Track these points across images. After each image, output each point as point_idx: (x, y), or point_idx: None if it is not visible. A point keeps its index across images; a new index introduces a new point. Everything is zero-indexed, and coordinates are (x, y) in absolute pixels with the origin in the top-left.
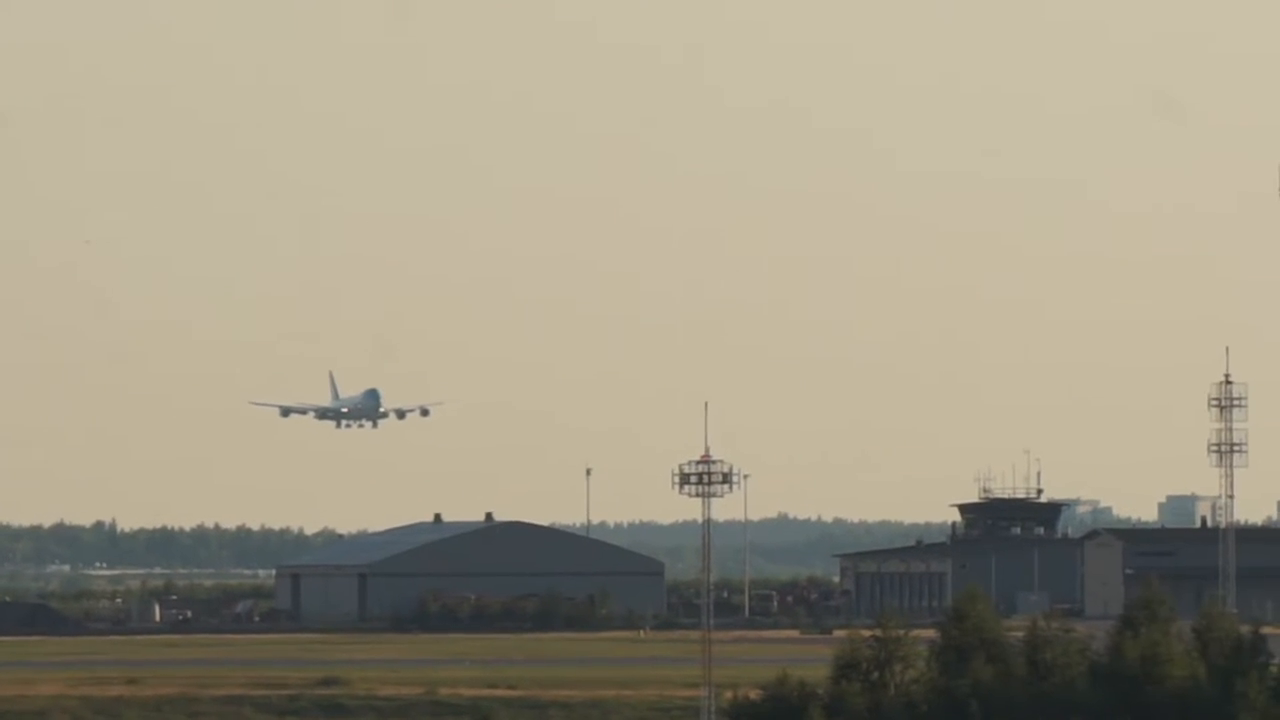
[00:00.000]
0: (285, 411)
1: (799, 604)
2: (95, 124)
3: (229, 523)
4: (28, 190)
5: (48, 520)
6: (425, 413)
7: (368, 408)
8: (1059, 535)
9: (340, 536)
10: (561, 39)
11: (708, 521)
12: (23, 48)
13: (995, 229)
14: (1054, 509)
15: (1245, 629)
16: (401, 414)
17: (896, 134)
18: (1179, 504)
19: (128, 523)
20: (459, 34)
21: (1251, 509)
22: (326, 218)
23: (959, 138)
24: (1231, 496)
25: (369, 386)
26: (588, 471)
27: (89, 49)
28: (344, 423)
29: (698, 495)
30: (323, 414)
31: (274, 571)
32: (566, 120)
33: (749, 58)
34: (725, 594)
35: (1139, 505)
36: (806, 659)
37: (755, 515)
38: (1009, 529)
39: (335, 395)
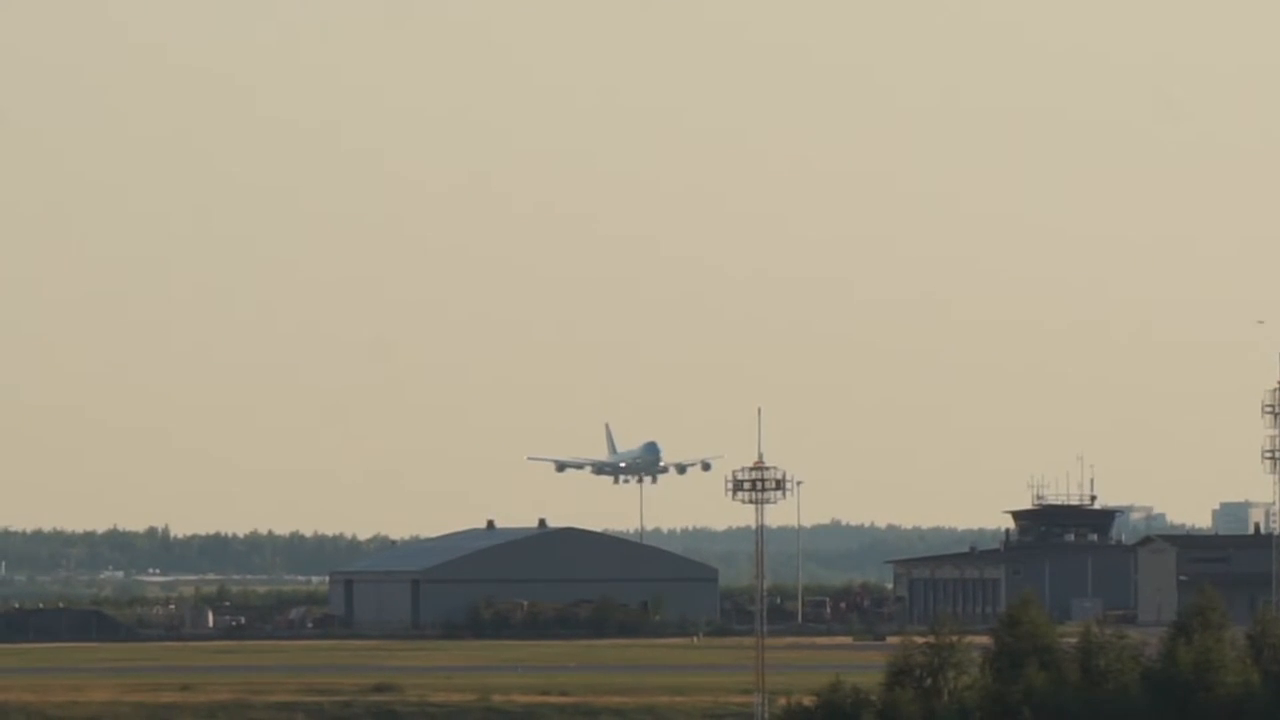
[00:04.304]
0: (561, 466)
1: (852, 610)
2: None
3: (282, 529)
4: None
5: (101, 526)
6: (707, 467)
7: (647, 462)
8: (1113, 542)
9: (393, 543)
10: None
11: (761, 528)
12: (22, 50)
13: (1049, 239)
14: (1108, 515)
15: None
16: (682, 468)
17: (938, 145)
18: (1233, 510)
19: (181, 529)
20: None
21: None
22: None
23: (1002, 153)
24: None
25: (647, 440)
26: (640, 478)
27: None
28: (621, 478)
29: (751, 502)
30: (600, 469)
31: (327, 578)
32: (607, 131)
33: (784, 70)
34: (778, 600)
35: (1193, 512)
36: (860, 665)
37: (808, 521)
38: (1063, 535)
39: (612, 449)
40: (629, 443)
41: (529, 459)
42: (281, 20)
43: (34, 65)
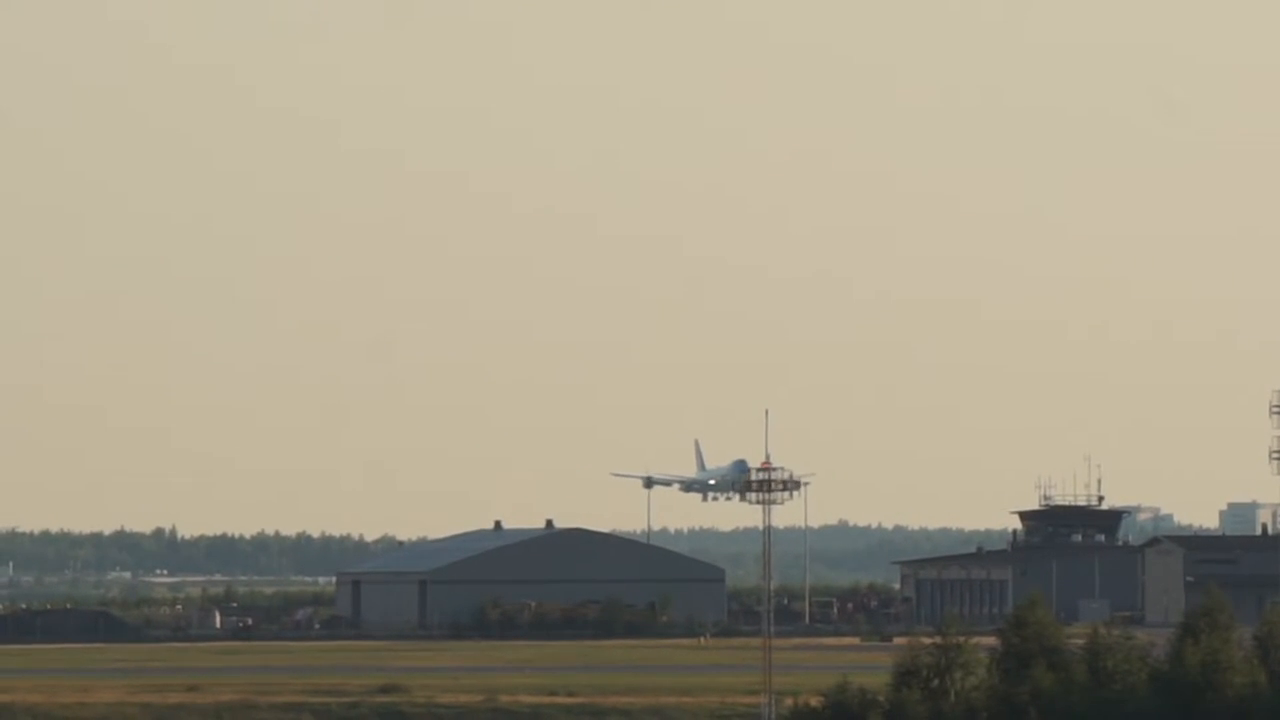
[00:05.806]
0: (648, 483)
1: (859, 611)
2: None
3: (289, 530)
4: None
5: (109, 527)
6: (797, 485)
7: (736, 479)
8: (1120, 542)
9: (400, 543)
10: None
11: (768, 528)
12: (22, 50)
13: (1056, 240)
14: (1115, 516)
15: None
16: None
17: (942, 146)
18: (1240, 511)
19: (188, 530)
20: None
21: None
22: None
23: (1008, 154)
24: None
25: (737, 457)
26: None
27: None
28: (710, 495)
29: (759, 502)
30: (689, 486)
31: (334, 578)
32: (617, 138)
33: (788, 70)
34: (786, 601)
35: (1200, 512)
36: (867, 666)
37: (816, 522)
38: (1070, 536)
39: (701, 465)
40: (719, 458)
41: (614, 474)
42: (281, 18)
43: (34, 65)
